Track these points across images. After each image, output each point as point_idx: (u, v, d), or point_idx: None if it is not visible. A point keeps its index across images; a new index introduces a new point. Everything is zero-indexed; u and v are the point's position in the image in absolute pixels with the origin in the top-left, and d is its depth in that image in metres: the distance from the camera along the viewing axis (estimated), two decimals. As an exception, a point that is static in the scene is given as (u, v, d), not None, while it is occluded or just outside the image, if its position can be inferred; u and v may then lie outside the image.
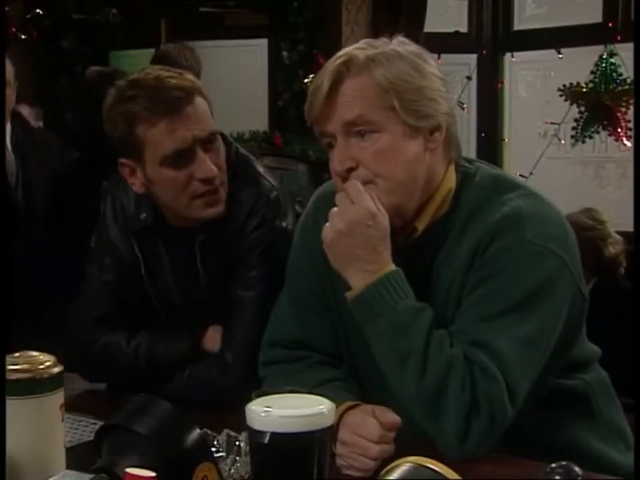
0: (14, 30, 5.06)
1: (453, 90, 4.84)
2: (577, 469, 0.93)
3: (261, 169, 1.71)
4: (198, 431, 1.04)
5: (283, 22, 4.56)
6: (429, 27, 4.62)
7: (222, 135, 1.63)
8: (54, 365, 1.14)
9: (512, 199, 1.38)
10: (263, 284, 1.61)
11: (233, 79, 4.95)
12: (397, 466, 0.86)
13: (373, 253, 1.34)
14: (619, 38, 4.20)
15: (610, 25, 4.28)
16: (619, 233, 3.66)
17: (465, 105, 4.78)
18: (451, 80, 4.79)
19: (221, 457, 1.24)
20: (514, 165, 4.76)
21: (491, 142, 4.84)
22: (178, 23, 5.09)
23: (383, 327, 1.33)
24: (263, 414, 0.93)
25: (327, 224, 1.37)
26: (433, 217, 1.40)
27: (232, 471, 1.23)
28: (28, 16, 5.15)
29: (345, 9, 4.52)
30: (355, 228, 1.33)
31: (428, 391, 1.29)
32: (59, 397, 1.14)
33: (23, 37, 5.10)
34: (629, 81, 4.14)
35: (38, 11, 5.15)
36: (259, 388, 1.30)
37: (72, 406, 1.43)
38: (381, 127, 1.35)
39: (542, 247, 1.33)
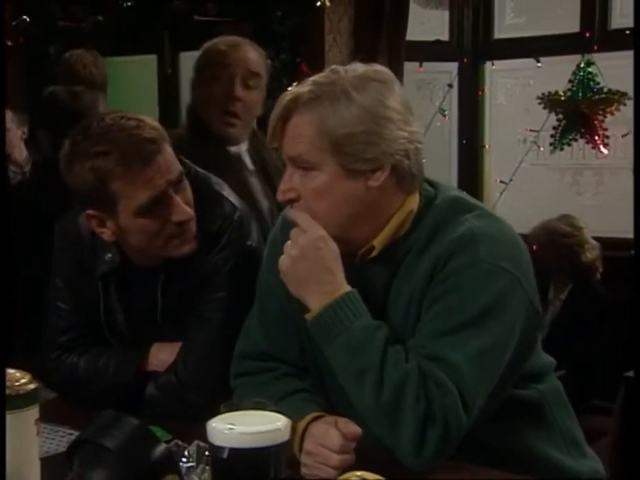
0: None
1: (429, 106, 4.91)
2: None
3: (221, 190, 1.75)
4: (164, 444, 1.10)
5: (266, 31, 4.60)
6: (410, 36, 4.65)
7: (180, 159, 1.67)
8: (29, 382, 1.20)
9: (468, 219, 1.44)
10: (230, 304, 1.67)
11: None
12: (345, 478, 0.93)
13: (328, 274, 1.41)
14: (595, 48, 4.25)
15: (587, 35, 4.32)
16: (595, 238, 3.74)
17: (446, 112, 4.81)
18: (432, 88, 4.89)
19: (191, 466, 1.31)
20: (494, 171, 4.81)
21: (472, 148, 4.87)
22: (169, 32, 5.13)
23: (341, 345, 1.40)
24: (223, 431, 0.99)
25: (282, 255, 1.44)
26: (392, 237, 1.46)
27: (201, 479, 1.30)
28: (14, 22, 5.19)
29: (327, 18, 4.52)
30: (307, 252, 1.41)
31: (385, 405, 1.36)
32: (34, 412, 1.19)
33: (9, 44, 5.14)
34: (605, 89, 4.19)
35: (24, 17, 5.18)
36: (228, 399, 1.38)
37: (47, 415, 1.51)
38: (318, 166, 1.41)
39: (495, 265, 1.40)
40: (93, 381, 1.73)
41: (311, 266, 1.41)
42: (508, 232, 1.47)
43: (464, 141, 4.87)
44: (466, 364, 1.37)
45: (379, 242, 1.46)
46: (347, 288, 1.42)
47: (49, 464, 1.24)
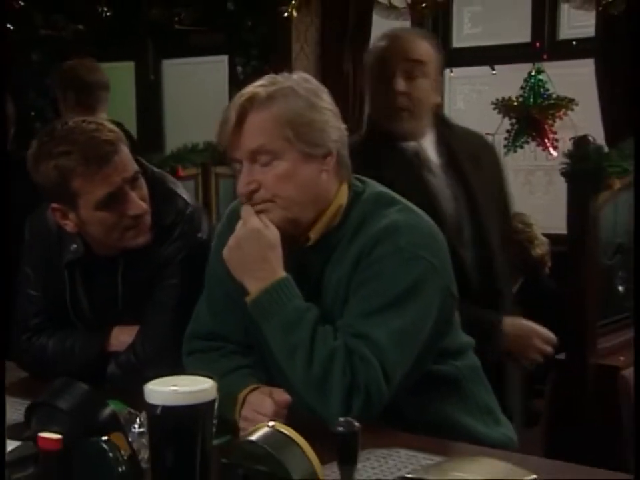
0: (-16, 45, 5.18)
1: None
2: (356, 423, 1.08)
3: (175, 187, 1.88)
4: (110, 407, 1.22)
5: (237, 40, 4.73)
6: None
7: (138, 160, 1.79)
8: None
9: (391, 212, 1.57)
10: (182, 290, 1.79)
11: (199, 93, 5.09)
12: (258, 429, 1.06)
13: (263, 262, 1.53)
14: (545, 57, 4.40)
15: (537, 44, 4.47)
16: (545, 235, 3.88)
17: (407, 116, 4.96)
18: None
19: (142, 431, 1.43)
20: (454, 171, 4.95)
21: (433, 150, 5.01)
22: (152, 40, 5.23)
23: (276, 325, 1.52)
24: (156, 391, 1.12)
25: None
26: (325, 229, 1.59)
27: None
28: (-1, 30, 5.27)
29: (294, 28, 4.66)
30: (244, 242, 1.54)
31: (315, 377, 1.48)
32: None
33: (-7, 51, 5.22)
34: (554, 96, 4.34)
35: (8, 25, 5.26)
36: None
37: (18, 391, 1.63)
38: (279, 155, 1.53)
39: (414, 253, 1.53)
40: (60, 361, 1.84)
41: (248, 254, 1.54)
42: (426, 224, 1.60)
43: (425, 143, 4.99)
44: (387, 341, 1.50)
45: (314, 232, 1.59)
46: (282, 274, 1.54)
47: (12, 429, 1.37)
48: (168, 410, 1.11)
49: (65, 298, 1.84)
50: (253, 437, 1.04)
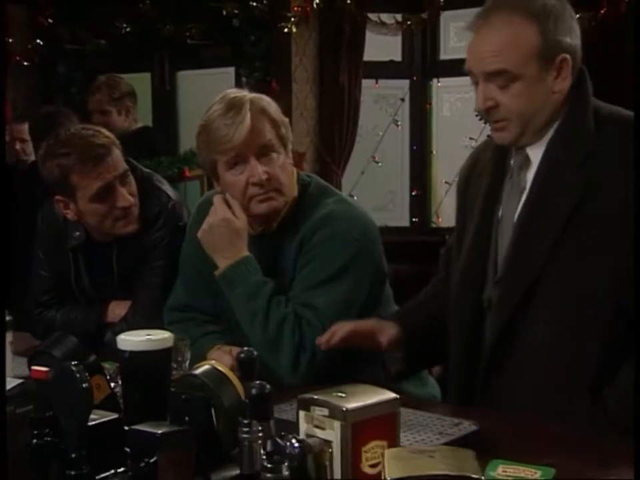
0: (18, 58, 5.49)
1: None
2: (267, 386, 1.13)
3: (160, 184, 2.15)
4: (94, 356, 1.50)
5: (241, 53, 4.99)
6: (368, 57, 5.01)
7: (128, 161, 2.07)
8: (6, 315, 1.62)
9: (330, 203, 1.84)
10: (166, 270, 2.05)
11: (209, 101, 5.34)
12: (201, 366, 1.32)
13: (229, 245, 1.80)
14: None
15: (515, 56, 4.69)
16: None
17: (399, 123, 5.19)
18: (387, 101, 5.25)
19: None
20: (441, 173, 5.17)
21: (421, 154, 5.21)
22: (168, 53, 5.49)
23: (239, 295, 1.79)
24: (125, 339, 1.39)
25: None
26: (282, 218, 1.86)
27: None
28: (29, 46, 5.59)
29: (294, 42, 4.88)
30: (213, 229, 1.81)
31: (269, 337, 1.75)
32: (9, 336, 1.62)
33: (25, 63, 5.53)
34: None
35: (38, 41, 5.58)
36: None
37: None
38: (278, 150, 1.80)
39: (347, 236, 1.79)
40: (66, 330, 2.12)
41: (217, 238, 1.81)
42: (359, 212, 1.86)
43: (414, 147, 5.19)
44: (329, 308, 1.75)
45: (275, 222, 1.86)
46: (245, 254, 1.80)
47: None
48: (134, 355, 1.38)
49: (70, 277, 2.12)
50: (195, 372, 1.31)
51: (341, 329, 1.63)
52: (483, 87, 1.54)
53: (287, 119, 1.86)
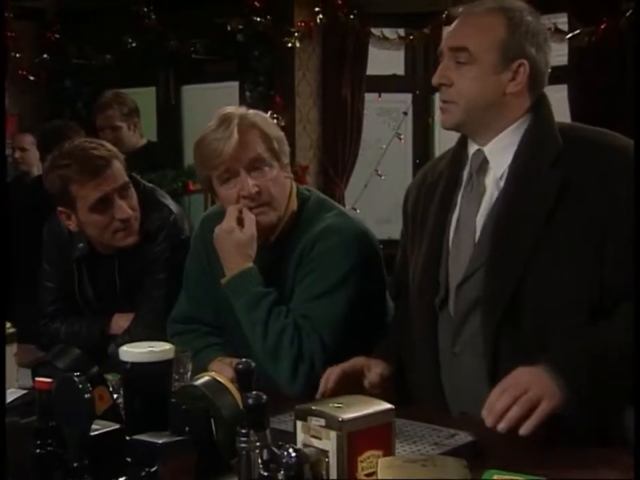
0: (25, 72, 5.56)
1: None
2: (264, 396, 1.14)
3: (162, 199, 2.17)
4: (97, 367, 1.52)
5: (246, 68, 5.03)
6: (372, 71, 5.07)
7: (131, 176, 2.09)
8: (10, 328, 1.65)
9: (329, 217, 1.86)
10: (168, 283, 2.07)
11: (214, 115, 5.38)
12: (201, 377, 1.35)
13: (232, 256, 1.82)
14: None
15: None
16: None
17: (402, 136, 5.22)
18: (390, 115, 5.28)
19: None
20: (443, 186, 5.20)
21: (424, 167, 5.27)
22: (173, 68, 5.56)
23: (241, 305, 1.82)
24: (127, 351, 1.42)
25: None
26: (282, 231, 1.88)
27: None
28: (37, 60, 5.65)
29: (297, 56, 4.94)
30: (218, 237, 1.83)
31: (269, 347, 1.77)
32: (13, 348, 1.64)
33: (32, 78, 5.59)
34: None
35: (45, 56, 5.64)
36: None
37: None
38: (269, 164, 1.82)
39: (347, 248, 1.81)
40: (71, 342, 2.15)
41: (221, 247, 1.83)
42: (358, 225, 1.88)
43: (417, 161, 5.21)
44: (327, 320, 1.78)
45: (274, 234, 1.88)
46: (247, 265, 1.81)
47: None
48: (135, 366, 1.41)
49: (75, 288, 2.15)
50: (195, 383, 1.34)
51: (333, 373, 1.64)
52: (442, 65, 1.60)
53: (282, 134, 1.88)
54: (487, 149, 1.60)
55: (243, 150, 1.78)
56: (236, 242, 1.81)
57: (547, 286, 1.50)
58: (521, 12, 1.59)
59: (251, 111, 1.87)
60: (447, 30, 1.66)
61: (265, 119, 1.87)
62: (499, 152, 1.59)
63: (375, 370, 1.65)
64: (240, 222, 1.80)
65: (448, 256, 1.62)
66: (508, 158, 1.58)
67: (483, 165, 1.61)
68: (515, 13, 1.58)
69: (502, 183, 1.58)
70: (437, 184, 1.69)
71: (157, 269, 2.09)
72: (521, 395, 1.37)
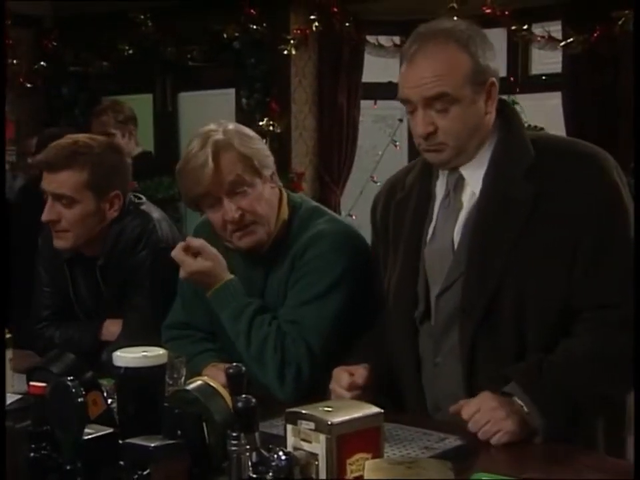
0: (22, 80, 5.58)
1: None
2: (253, 399, 1.18)
3: (143, 206, 2.19)
4: (91, 372, 1.54)
5: (242, 75, 5.06)
6: (367, 78, 5.11)
7: None
8: (6, 334, 1.67)
9: (320, 223, 1.88)
10: (152, 290, 2.09)
11: (210, 122, 5.40)
12: (193, 382, 1.37)
13: (209, 281, 1.84)
14: (518, 90, 4.67)
15: (512, 79, 4.75)
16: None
17: (397, 143, 5.26)
18: (386, 122, 5.31)
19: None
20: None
21: (419, 174, 5.29)
22: (170, 75, 5.57)
23: (225, 316, 1.85)
24: (120, 356, 1.44)
25: None
26: (274, 240, 1.90)
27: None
28: (34, 67, 5.67)
29: (293, 63, 4.96)
30: (188, 281, 1.88)
31: (253, 355, 1.80)
32: (9, 353, 1.66)
33: (28, 85, 5.62)
34: (526, 124, 4.62)
35: (42, 63, 5.67)
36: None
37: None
38: (250, 183, 1.82)
39: (338, 253, 1.83)
40: (65, 347, 2.17)
41: (195, 283, 1.89)
42: (349, 231, 1.91)
43: (413, 167, 5.28)
44: (317, 324, 1.80)
45: (266, 244, 1.90)
46: (227, 278, 1.84)
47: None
48: (129, 371, 1.42)
49: (69, 292, 2.18)
50: (188, 387, 1.36)
51: (358, 375, 1.66)
52: (423, 113, 1.58)
53: (261, 147, 1.86)
54: (462, 168, 1.63)
55: (220, 175, 1.79)
56: (206, 273, 1.83)
57: (522, 293, 1.53)
58: (462, 30, 1.59)
59: (230, 127, 1.86)
60: (402, 74, 1.63)
61: (242, 136, 1.84)
62: (475, 169, 1.62)
63: (359, 374, 1.67)
64: (195, 253, 1.83)
65: (425, 269, 1.65)
66: (482, 173, 1.61)
67: (459, 181, 1.63)
68: (462, 34, 1.58)
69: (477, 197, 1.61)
70: (409, 198, 1.72)
71: (140, 277, 2.10)
72: (481, 427, 1.46)
